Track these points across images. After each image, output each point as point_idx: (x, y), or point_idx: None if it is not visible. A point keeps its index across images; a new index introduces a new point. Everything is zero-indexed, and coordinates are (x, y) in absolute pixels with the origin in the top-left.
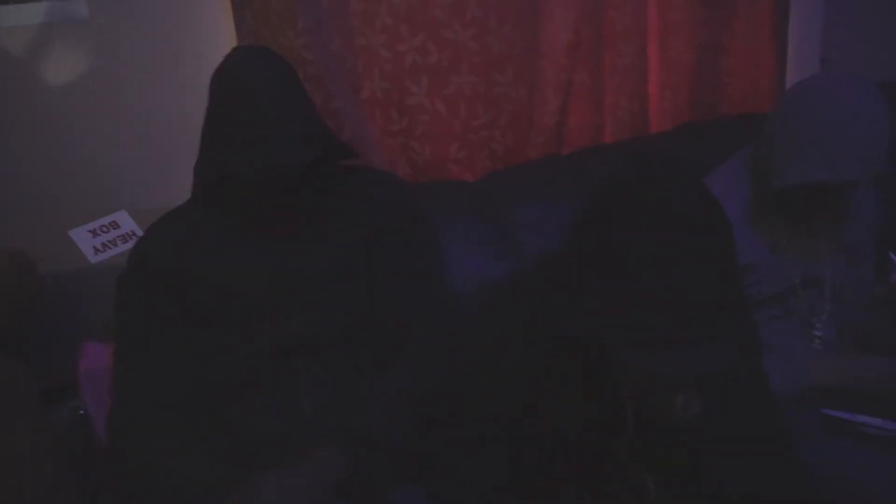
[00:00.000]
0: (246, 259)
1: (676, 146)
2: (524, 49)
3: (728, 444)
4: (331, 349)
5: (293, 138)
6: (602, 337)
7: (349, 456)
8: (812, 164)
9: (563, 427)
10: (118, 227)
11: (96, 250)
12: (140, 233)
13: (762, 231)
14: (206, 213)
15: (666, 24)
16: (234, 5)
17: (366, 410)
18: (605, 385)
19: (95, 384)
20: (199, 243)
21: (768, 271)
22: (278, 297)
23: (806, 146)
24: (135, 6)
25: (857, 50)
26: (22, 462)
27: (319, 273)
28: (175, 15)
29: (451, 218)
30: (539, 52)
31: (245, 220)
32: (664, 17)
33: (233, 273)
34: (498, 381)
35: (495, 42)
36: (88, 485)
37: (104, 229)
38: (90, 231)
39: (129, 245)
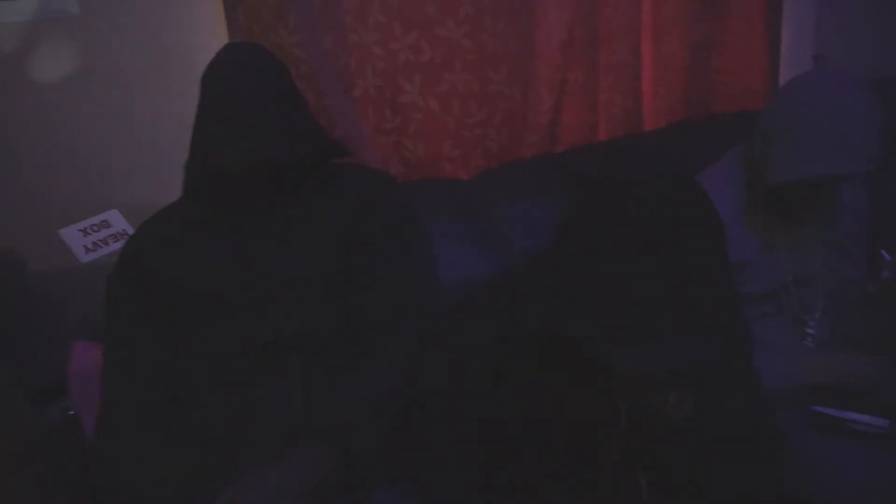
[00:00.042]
0: (219, 257)
1: (670, 144)
2: (518, 47)
3: (718, 440)
4: (307, 348)
5: (282, 134)
6: (585, 334)
7: (326, 455)
8: (808, 160)
9: (554, 426)
10: (109, 226)
11: (87, 249)
12: (131, 232)
13: (754, 228)
14: (195, 212)
15: (660, 21)
16: (226, 2)
17: (340, 409)
18: (596, 384)
19: (85, 384)
20: (188, 242)
21: (760, 268)
22: (251, 295)
23: (801, 142)
24: (125, 2)
25: (850, 47)
26: (5, 463)
27: (293, 271)
28: (166, 11)
29: (434, 215)
30: (533, 49)
31: (230, 218)
32: (658, 14)
33: (205, 271)
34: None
35: (489, 40)
36: (77, 486)
37: (95, 228)
38: (81, 230)
39: (121, 244)
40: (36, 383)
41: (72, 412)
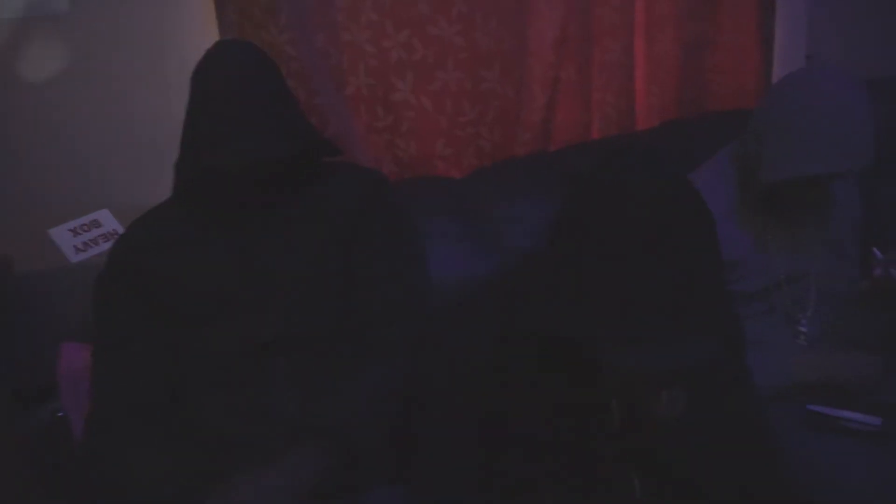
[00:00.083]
0: (218, 257)
1: (663, 142)
2: (511, 45)
3: (712, 439)
4: (304, 348)
5: (273, 133)
6: (584, 334)
7: (325, 455)
8: (802, 158)
9: (548, 426)
10: (100, 225)
11: (77, 249)
12: (122, 231)
13: (747, 226)
14: (185, 211)
15: (653, 19)
16: (217, 0)
17: (339, 409)
18: (590, 383)
19: (74, 386)
20: (178, 241)
21: (753, 267)
22: (250, 295)
23: (795, 140)
24: (116, 0)
25: (843, 47)
26: None
27: (293, 271)
28: (157, 9)
29: (428, 214)
30: (526, 48)
31: (221, 218)
32: (651, 12)
33: (205, 271)
34: (474, 379)
35: (482, 38)
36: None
37: (85, 228)
38: (71, 230)
39: (111, 244)
40: (25, 384)
41: (61, 414)
